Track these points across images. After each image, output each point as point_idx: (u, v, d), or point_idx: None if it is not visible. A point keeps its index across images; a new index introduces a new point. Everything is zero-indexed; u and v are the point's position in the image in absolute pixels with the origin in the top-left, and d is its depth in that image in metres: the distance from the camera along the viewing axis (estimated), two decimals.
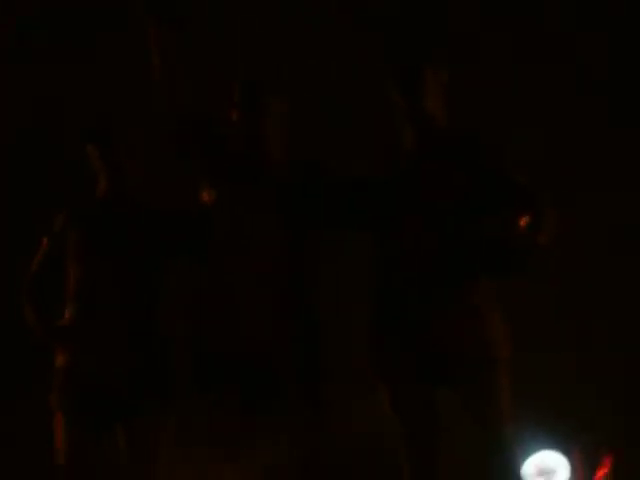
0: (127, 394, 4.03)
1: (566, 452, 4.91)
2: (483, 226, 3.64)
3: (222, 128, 4.11)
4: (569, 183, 4.80)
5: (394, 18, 4.25)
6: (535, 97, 5.02)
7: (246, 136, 4.06)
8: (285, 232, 3.97)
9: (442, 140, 3.86)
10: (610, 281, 5.04)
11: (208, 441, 3.95)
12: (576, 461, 3.77)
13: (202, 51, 4.12)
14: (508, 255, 3.59)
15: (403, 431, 3.74)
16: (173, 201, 4.25)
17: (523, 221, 3.59)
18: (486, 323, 3.71)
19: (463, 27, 4.62)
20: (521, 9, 5.11)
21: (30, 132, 5.41)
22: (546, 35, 5.08)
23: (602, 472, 4.77)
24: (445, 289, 3.70)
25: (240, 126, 4.06)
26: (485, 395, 3.65)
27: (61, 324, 4.15)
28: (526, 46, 5.05)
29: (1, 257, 5.37)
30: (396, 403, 3.74)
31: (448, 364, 3.69)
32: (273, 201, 3.99)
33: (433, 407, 3.76)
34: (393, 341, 3.74)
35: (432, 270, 3.70)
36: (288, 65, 4.28)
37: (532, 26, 5.08)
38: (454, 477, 3.92)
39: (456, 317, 3.69)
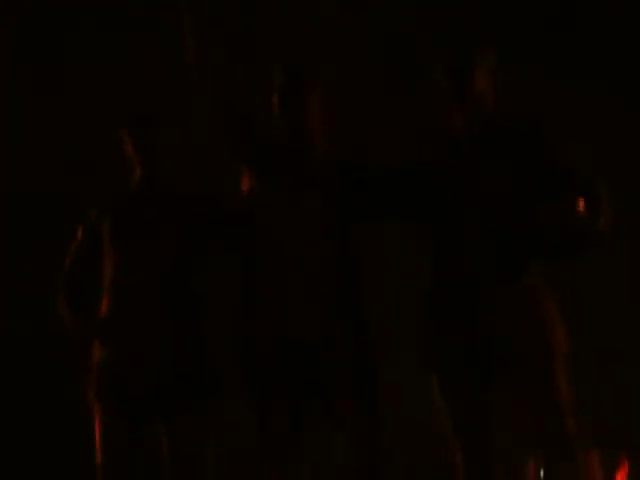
0: (168, 390, 3.92)
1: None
2: (539, 212, 3.51)
3: (263, 115, 3.99)
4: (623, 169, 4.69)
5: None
6: (588, 82, 4.92)
7: (289, 122, 3.93)
8: (331, 223, 3.83)
9: (492, 125, 3.72)
10: None
11: (256, 442, 3.84)
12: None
13: (240, 35, 4.00)
14: (567, 241, 3.47)
15: (454, 427, 3.64)
16: (211, 190, 4.13)
17: (581, 206, 3.47)
18: (543, 316, 3.59)
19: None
20: None
21: (63, 123, 5.33)
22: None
23: (621, 475, 4.70)
24: (500, 279, 3.58)
25: (282, 112, 3.93)
26: (540, 391, 3.53)
27: (98, 318, 4.04)
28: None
29: (36, 251, 5.31)
30: (448, 399, 3.63)
31: (502, 357, 3.58)
32: (318, 192, 3.85)
33: (485, 404, 3.64)
34: (446, 335, 3.63)
35: (486, 259, 3.58)
36: (330, 49, 4.17)
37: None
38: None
39: (512, 309, 3.57)
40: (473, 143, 3.71)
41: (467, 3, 4.81)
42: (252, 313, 3.85)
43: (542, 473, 4.11)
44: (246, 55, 4.09)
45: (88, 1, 5.27)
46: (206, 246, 4.09)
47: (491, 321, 3.57)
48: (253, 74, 3.98)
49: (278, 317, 3.78)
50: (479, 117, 3.73)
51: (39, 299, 4.28)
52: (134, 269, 4.00)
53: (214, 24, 3.86)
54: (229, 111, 3.96)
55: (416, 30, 4.15)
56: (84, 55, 5.30)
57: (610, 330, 4.91)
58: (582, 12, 5.07)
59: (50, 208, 5.18)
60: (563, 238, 3.50)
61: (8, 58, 5.36)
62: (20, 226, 5.41)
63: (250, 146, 3.98)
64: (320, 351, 3.76)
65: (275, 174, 3.91)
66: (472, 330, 3.59)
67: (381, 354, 3.85)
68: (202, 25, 3.86)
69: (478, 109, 3.73)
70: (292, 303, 3.77)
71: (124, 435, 3.92)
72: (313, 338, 3.76)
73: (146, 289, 3.98)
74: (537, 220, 3.53)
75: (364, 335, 3.85)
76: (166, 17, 4.38)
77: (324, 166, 3.92)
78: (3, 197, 5.41)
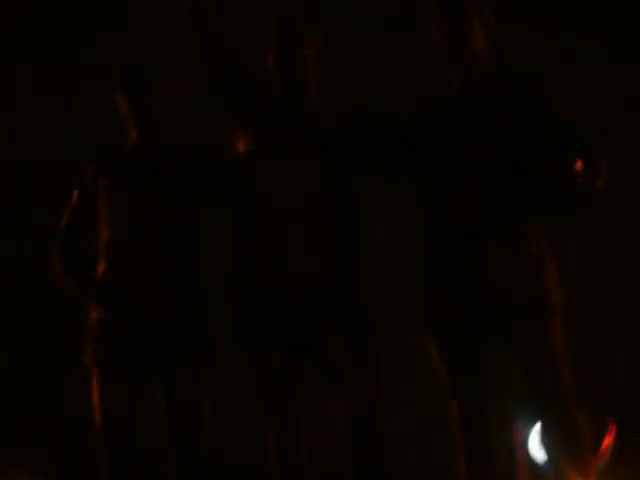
0: (165, 346, 3.92)
1: None
2: (535, 167, 3.49)
3: (258, 72, 3.96)
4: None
5: None
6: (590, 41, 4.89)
7: (285, 77, 3.90)
8: (330, 176, 3.81)
9: (488, 78, 3.70)
10: None
11: (251, 396, 3.84)
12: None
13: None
14: (563, 198, 3.46)
15: (451, 382, 3.64)
16: (207, 148, 4.10)
17: (578, 163, 3.45)
18: (539, 269, 3.58)
19: None
20: None
21: (59, 83, 5.30)
22: None
23: (607, 441, 4.72)
24: (496, 234, 3.57)
25: (278, 68, 3.90)
26: (537, 344, 3.53)
27: (95, 277, 4.03)
28: None
29: (32, 210, 5.29)
30: (445, 354, 3.63)
31: (498, 310, 3.57)
32: (316, 145, 3.83)
33: (482, 358, 3.63)
34: (443, 289, 3.62)
35: (482, 215, 3.57)
36: (325, 4, 4.14)
37: None
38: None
39: (508, 262, 3.55)
40: (470, 97, 3.69)
41: None
42: (250, 266, 3.84)
43: (537, 427, 4.12)
44: (242, 10, 4.06)
45: None
46: (204, 200, 4.08)
47: (489, 275, 3.56)
48: (249, 30, 3.94)
49: (276, 270, 3.77)
50: (476, 72, 3.70)
51: (38, 261, 4.25)
52: (130, 227, 3.98)
53: None
54: (226, 66, 3.92)
55: None
56: (76, 13, 5.27)
57: (603, 287, 4.90)
58: None
59: (48, 172, 5.15)
60: (559, 195, 3.49)
61: None
62: (19, 190, 5.40)
63: (247, 101, 3.95)
64: (317, 304, 3.76)
65: (273, 128, 3.89)
66: (469, 285, 3.58)
67: (379, 308, 3.85)
68: None
69: (475, 64, 3.70)
70: (290, 256, 3.75)
71: (122, 394, 3.93)
72: (311, 290, 3.75)
73: (142, 246, 3.96)
74: (534, 175, 3.52)
75: (362, 289, 3.85)
76: None
77: (321, 119, 3.90)
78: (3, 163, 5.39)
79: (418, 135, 3.74)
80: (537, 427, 5.21)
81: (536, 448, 5.26)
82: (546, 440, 3.56)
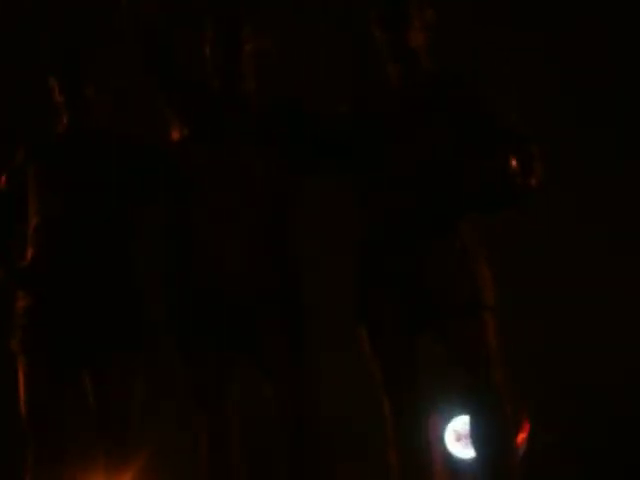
0: (93, 337, 3.85)
1: None
2: (472, 166, 3.53)
3: (195, 64, 3.93)
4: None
5: None
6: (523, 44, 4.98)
7: (223, 73, 3.88)
8: (266, 175, 3.80)
9: (426, 78, 3.74)
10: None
11: (182, 392, 3.82)
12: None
13: None
14: (497, 196, 3.51)
15: (383, 378, 3.66)
16: (142, 136, 4.05)
17: (514, 162, 3.50)
18: (473, 269, 3.63)
19: None
20: None
21: None
22: None
23: (522, 436, 4.82)
24: (431, 232, 3.60)
25: (216, 61, 3.88)
26: (473, 341, 3.57)
27: (22, 265, 3.96)
28: None
29: None
30: (377, 349, 3.65)
31: (434, 309, 3.61)
32: (253, 142, 3.82)
33: (415, 354, 3.67)
34: (378, 286, 3.65)
35: (417, 213, 3.60)
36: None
37: None
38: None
39: (442, 260, 3.60)
40: (408, 96, 3.71)
41: None
42: (185, 263, 3.81)
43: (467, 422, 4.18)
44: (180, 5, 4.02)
45: None
46: (138, 189, 4.01)
47: (423, 273, 3.60)
48: (187, 24, 3.90)
49: (210, 268, 3.75)
50: (415, 71, 3.74)
51: None
52: (60, 213, 3.91)
53: None
54: (163, 60, 3.88)
55: None
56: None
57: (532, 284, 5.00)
58: None
59: None
60: (494, 193, 3.53)
61: None
62: None
63: (184, 96, 3.92)
64: (252, 302, 3.74)
65: (209, 123, 3.86)
66: (403, 281, 3.61)
67: (312, 306, 3.85)
68: None
69: (414, 63, 3.74)
70: (225, 254, 3.73)
71: (48, 382, 3.86)
72: (245, 289, 3.74)
73: (72, 233, 3.89)
74: (469, 174, 3.56)
75: (296, 287, 3.85)
76: None
77: (259, 116, 3.88)
78: None
79: (355, 133, 3.75)
80: (454, 422, 5.35)
81: (452, 443, 5.39)
82: (476, 435, 3.59)
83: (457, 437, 5.41)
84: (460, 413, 5.27)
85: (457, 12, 4.68)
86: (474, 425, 3.60)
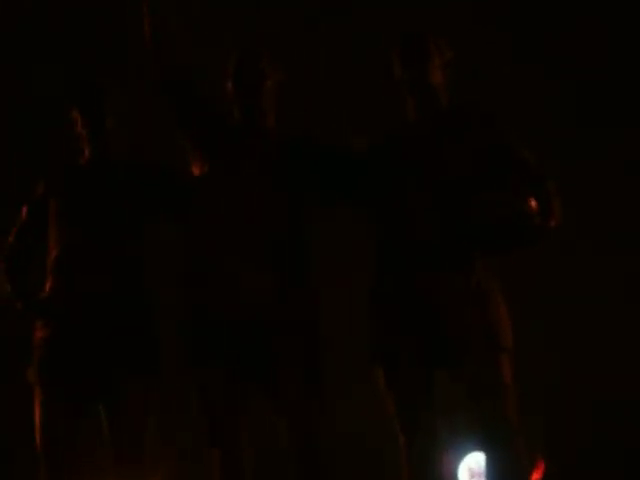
0: (109, 371, 3.87)
1: None
2: (489, 203, 3.55)
3: (217, 99, 3.96)
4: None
5: None
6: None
7: (243, 107, 3.91)
8: (282, 207, 3.82)
9: (444, 114, 3.77)
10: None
11: (196, 424, 3.82)
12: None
13: (196, 18, 3.97)
14: (516, 234, 3.52)
15: (398, 414, 3.66)
16: (161, 170, 4.09)
17: (533, 202, 3.52)
18: (489, 308, 3.63)
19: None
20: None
21: (12, 98, 5.24)
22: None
23: (536, 476, 4.80)
24: (447, 266, 3.62)
25: (236, 97, 3.91)
26: (488, 381, 3.57)
27: (41, 296, 3.98)
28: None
29: None
30: (394, 386, 3.65)
31: (450, 348, 3.61)
32: (270, 174, 3.85)
33: (430, 391, 3.67)
34: (394, 322, 3.65)
35: (436, 250, 3.62)
36: (286, 35, 4.17)
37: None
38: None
39: (459, 297, 3.60)
40: (426, 130, 3.75)
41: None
42: (202, 295, 3.82)
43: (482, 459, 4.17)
44: (204, 39, 4.06)
45: None
46: (156, 222, 4.05)
47: (440, 309, 3.60)
48: (211, 59, 3.94)
49: (228, 299, 3.76)
50: (433, 105, 3.78)
51: None
52: (79, 246, 3.93)
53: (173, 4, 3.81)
54: (185, 93, 3.93)
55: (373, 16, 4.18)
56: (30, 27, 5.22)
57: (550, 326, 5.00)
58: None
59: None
60: (512, 232, 3.54)
61: None
62: None
63: (204, 129, 3.96)
64: (267, 333, 3.75)
65: (227, 154, 3.89)
66: (420, 318, 3.62)
67: (328, 340, 3.86)
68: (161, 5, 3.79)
69: (432, 98, 3.77)
70: (243, 285, 3.75)
71: (64, 414, 3.87)
72: (261, 320, 3.75)
73: (89, 266, 3.91)
74: (486, 212, 3.57)
75: (312, 320, 3.84)
76: None
77: (277, 149, 3.91)
78: None
79: (373, 165, 3.78)
80: (467, 458, 5.34)
81: (466, 479, 5.37)
82: (491, 472, 3.59)
83: (471, 474, 5.39)
84: (474, 450, 5.26)
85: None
86: (489, 462, 3.59)
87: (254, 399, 3.81)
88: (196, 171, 3.93)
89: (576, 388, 5.06)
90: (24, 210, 4.09)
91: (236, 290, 3.75)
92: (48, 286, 3.98)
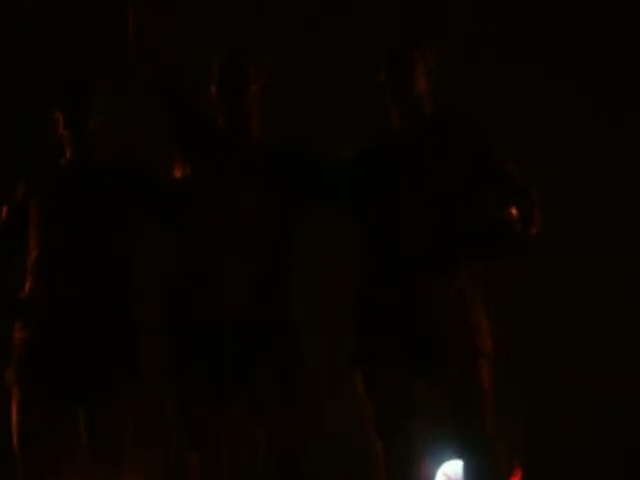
0: (88, 373, 3.85)
1: None
2: (471, 210, 3.58)
3: (201, 102, 3.97)
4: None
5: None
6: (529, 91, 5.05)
7: (227, 110, 3.92)
8: (268, 209, 3.83)
9: (429, 122, 3.80)
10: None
11: (176, 427, 3.82)
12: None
13: (181, 20, 3.97)
14: (497, 241, 3.56)
15: (376, 420, 3.68)
16: (145, 170, 4.08)
17: (514, 210, 3.55)
18: (469, 315, 3.66)
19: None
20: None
21: None
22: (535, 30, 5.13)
23: None
24: (431, 274, 3.64)
25: (220, 100, 3.92)
26: (467, 387, 3.60)
27: (21, 297, 3.96)
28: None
29: None
30: (373, 389, 3.67)
31: (429, 354, 3.63)
32: (255, 177, 3.86)
33: (410, 396, 3.69)
34: (375, 325, 3.68)
35: (418, 254, 3.64)
36: (272, 39, 4.17)
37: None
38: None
39: (441, 302, 3.63)
40: (410, 139, 3.77)
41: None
42: (184, 295, 3.83)
43: (459, 467, 4.18)
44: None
45: None
46: (137, 226, 4.03)
47: (419, 317, 3.63)
48: (194, 62, 3.95)
49: (209, 299, 3.77)
50: (417, 114, 3.80)
51: None
52: (60, 247, 3.92)
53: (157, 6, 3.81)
54: (174, 94, 3.93)
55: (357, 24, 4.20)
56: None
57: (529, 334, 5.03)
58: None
59: None
60: (494, 240, 3.58)
61: None
62: None
63: (189, 131, 3.95)
64: (247, 337, 3.76)
65: (212, 158, 3.89)
66: (399, 325, 3.64)
67: (308, 344, 3.87)
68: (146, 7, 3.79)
69: (417, 106, 3.80)
70: (225, 286, 3.76)
71: (42, 416, 3.86)
72: (241, 323, 3.75)
73: (71, 267, 3.89)
74: (467, 220, 3.60)
75: (292, 323, 3.86)
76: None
77: (262, 152, 3.92)
78: None
79: (360, 169, 3.81)
80: (444, 466, 5.36)
81: None
82: (468, 478, 3.61)
83: None
84: (451, 457, 5.27)
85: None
86: (467, 468, 3.62)
87: (234, 402, 3.82)
88: (179, 172, 3.94)
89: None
90: (4, 210, 4.07)
91: (218, 290, 3.76)
92: (28, 287, 3.96)
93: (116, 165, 4.07)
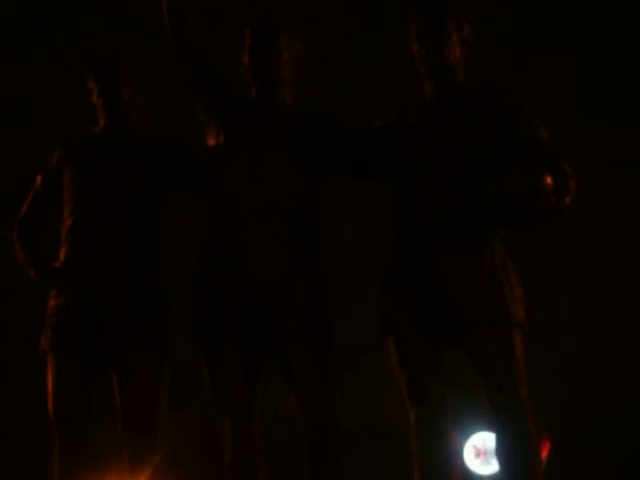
0: (121, 338, 3.89)
1: None
2: (505, 181, 3.55)
3: (233, 72, 3.96)
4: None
5: None
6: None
7: (258, 78, 3.91)
8: (297, 176, 3.82)
9: (461, 92, 3.76)
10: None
11: (206, 392, 3.84)
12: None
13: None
14: (532, 213, 3.52)
15: (408, 390, 3.67)
16: (176, 142, 4.09)
17: (549, 180, 3.52)
18: (501, 285, 3.62)
19: None
20: None
21: (27, 68, 5.23)
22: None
23: (543, 453, 4.82)
24: (462, 241, 3.62)
25: (252, 68, 3.91)
26: (498, 357, 3.58)
27: (55, 265, 4.00)
28: None
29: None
30: (404, 358, 3.67)
31: (460, 324, 3.61)
32: (284, 143, 3.84)
33: (440, 368, 3.68)
34: (407, 297, 3.66)
35: (449, 224, 3.62)
36: (303, 10, 4.16)
37: None
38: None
39: (472, 273, 3.60)
40: (444, 108, 3.74)
41: None
42: (215, 267, 3.83)
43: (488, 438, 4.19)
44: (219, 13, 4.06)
45: None
46: (170, 192, 4.06)
47: (450, 287, 3.61)
48: (226, 33, 3.94)
49: (238, 267, 3.77)
50: (451, 84, 3.76)
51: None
52: (93, 214, 3.95)
53: None
54: (201, 66, 3.93)
55: None
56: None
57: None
58: None
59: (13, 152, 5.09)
60: (528, 210, 3.55)
61: None
62: None
63: (219, 98, 3.96)
64: (281, 307, 3.76)
65: (243, 128, 3.89)
66: (430, 295, 3.62)
67: (339, 313, 3.86)
68: None
69: (450, 76, 3.76)
70: (255, 259, 3.75)
71: (76, 380, 3.90)
72: (275, 294, 3.76)
73: (105, 234, 3.93)
74: (503, 189, 3.57)
75: (325, 290, 3.85)
76: None
77: (292, 124, 3.91)
78: None
79: (387, 137, 3.78)
80: (473, 437, 5.36)
81: (471, 459, 5.39)
82: (501, 449, 3.60)
83: (476, 453, 5.41)
84: (479, 429, 5.28)
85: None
86: (498, 439, 3.61)
87: (264, 372, 3.84)
88: (211, 143, 3.94)
89: (591, 370, 5.08)
90: (38, 179, 4.10)
91: (247, 263, 3.76)
92: (62, 255, 4.00)
93: (148, 136, 4.09)
